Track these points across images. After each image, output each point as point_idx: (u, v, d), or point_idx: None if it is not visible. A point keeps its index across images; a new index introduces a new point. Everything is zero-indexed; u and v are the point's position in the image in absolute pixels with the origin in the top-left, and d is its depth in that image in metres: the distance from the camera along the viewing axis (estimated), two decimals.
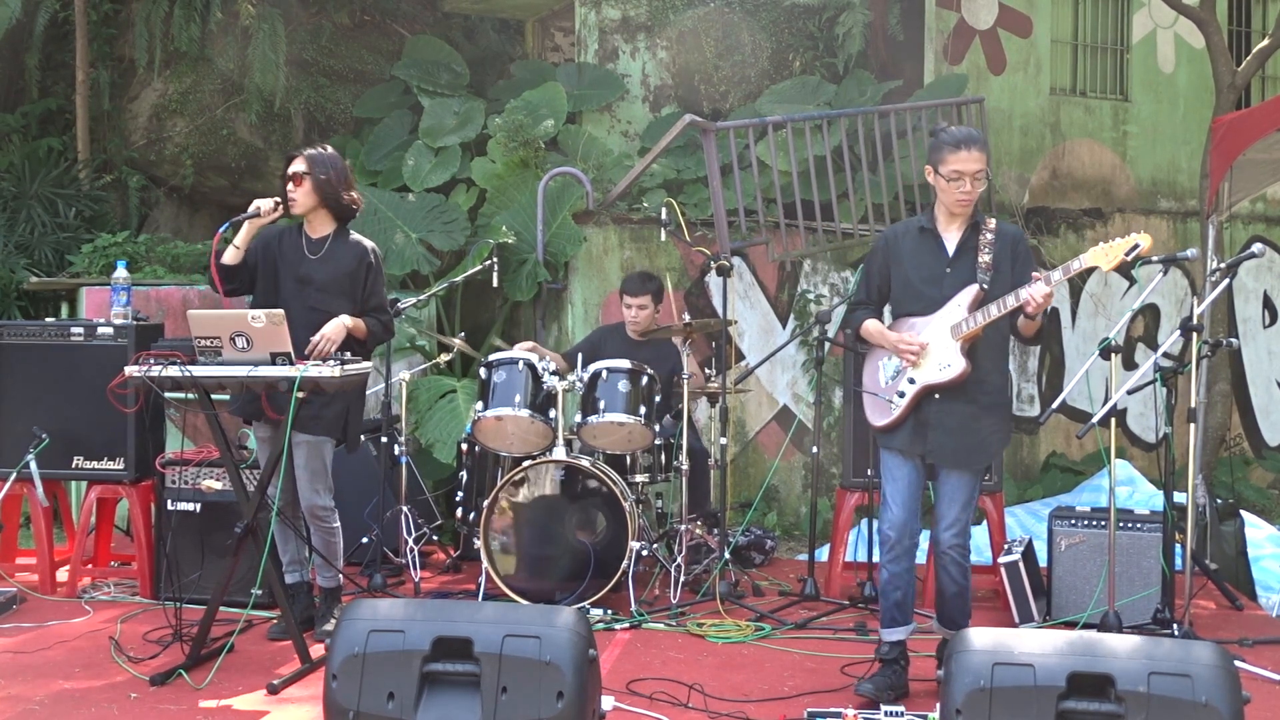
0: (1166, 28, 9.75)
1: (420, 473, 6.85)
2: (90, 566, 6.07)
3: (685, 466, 5.89)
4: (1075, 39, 9.73)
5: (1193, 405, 5.65)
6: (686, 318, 6.08)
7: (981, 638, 3.27)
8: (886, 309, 4.66)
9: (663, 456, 6.05)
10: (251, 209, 4.88)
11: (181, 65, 9.07)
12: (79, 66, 8.94)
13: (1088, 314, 9.05)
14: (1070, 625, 5.27)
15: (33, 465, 5.64)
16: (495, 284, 6.89)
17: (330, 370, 4.44)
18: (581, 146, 8.32)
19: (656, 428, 5.82)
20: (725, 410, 5.98)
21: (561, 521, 5.63)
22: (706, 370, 6.27)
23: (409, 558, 5.86)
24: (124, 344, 5.65)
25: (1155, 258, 5.00)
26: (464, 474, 6.32)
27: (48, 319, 6.63)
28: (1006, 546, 5.66)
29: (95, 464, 5.74)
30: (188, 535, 5.53)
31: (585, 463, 5.60)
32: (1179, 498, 5.29)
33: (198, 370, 4.49)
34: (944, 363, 4.33)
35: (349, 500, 5.90)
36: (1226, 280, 5.46)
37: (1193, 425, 5.50)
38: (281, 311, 4.50)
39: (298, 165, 4.98)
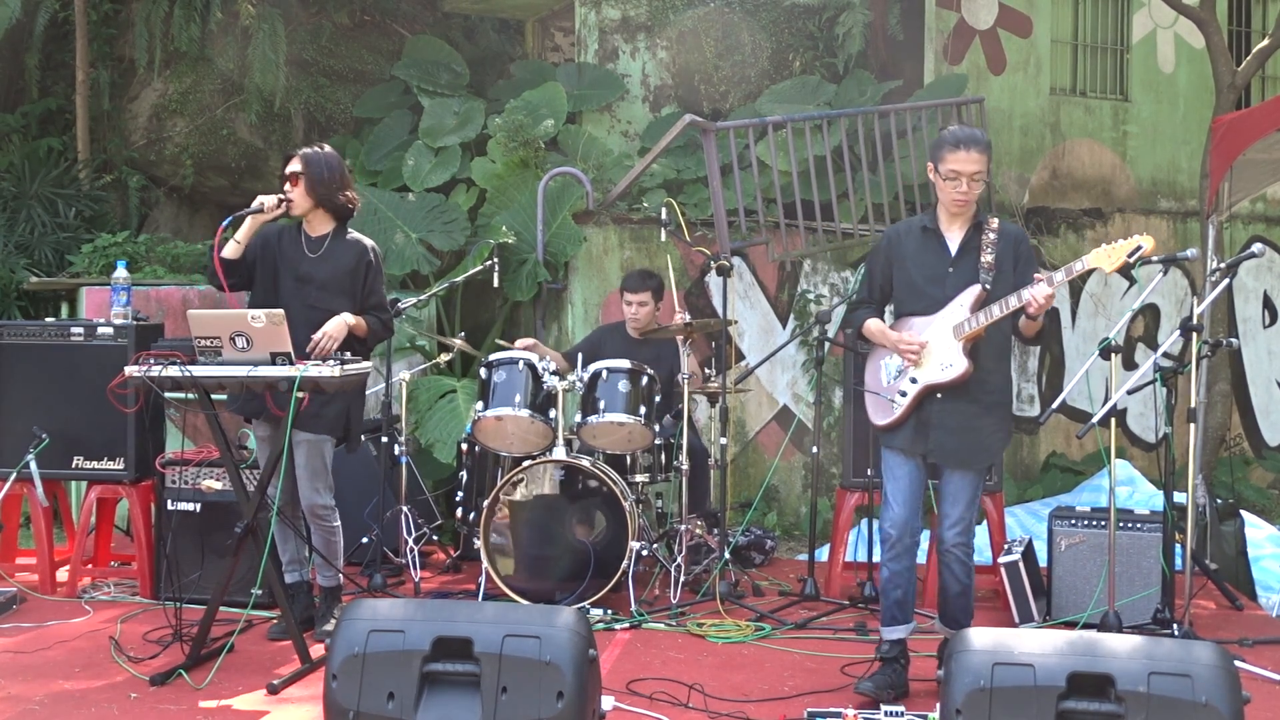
0: (1166, 28, 9.75)
1: (420, 473, 6.85)
2: (90, 566, 6.07)
3: (685, 466, 5.89)
4: (1075, 39, 9.73)
5: (1193, 405, 5.65)
6: (686, 317, 6.08)
7: (981, 638, 3.27)
8: (888, 309, 4.67)
9: (663, 456, 6.05)
10: (255, 204, 4.89)
11: (181, 65, 9.07)
12: (79, 66, 8.94)
13: (1088, 314, 9.05)
14: (1070, 625, 5.26)
15: (33, 465, 5.64)
16: (495, 284, 6.89)
17: (330, 370, 4.44)
18: (581, 146, 8.32)
19: (656, 428, 5.82)
20: (725, 410, 5.98)
21: (561, 521, 5.63)
22: (706, 370, 6.27)
23: (409, 558, 5.86)
24: (124, 344, 5.65)
25: (1155, 258, 5.00)
26: (464, 474, 6.32)
27: (48, 319, 6.63)
28: (1006, 546, 5.66)
29: (95, 464, 5.74)
30: (188, 535, 5.53)
31: (585, 463, 5.60)
32: (1179, 498, 5.29)
33: (198, 370, 4.49)
34: (946, 362, 4.33)
35: (349, 500, 5.89)
36: (1226, 280, 5.46)
37: (1193, 425, 5.50)
38: (281, 311, 4.50)
39: (294, 165, 4.98)
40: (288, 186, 4.98)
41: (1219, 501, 6.42)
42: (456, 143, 8.29)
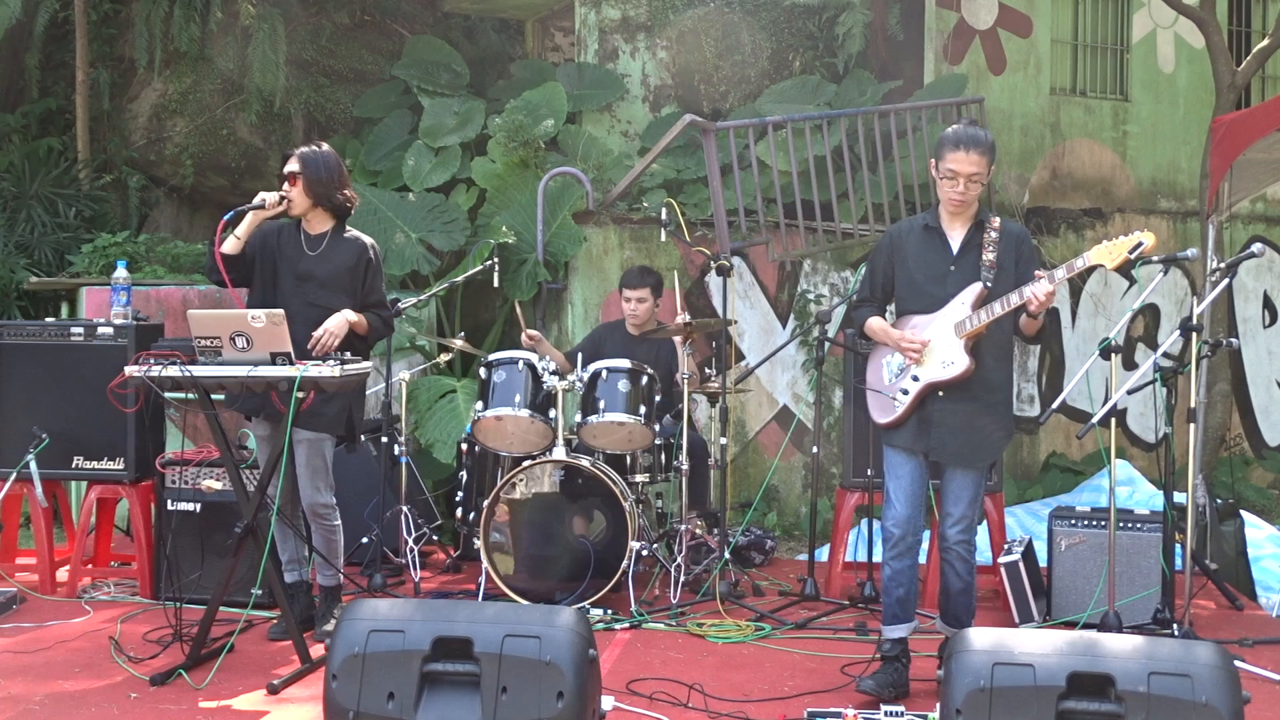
0: (1166, 28, 9.75)
1: (420, 473, 6.85)
2: (90, 566, 6.07)
3: (685, 466, 5.89)
4: (1075, 39, 9.73)
5: (1193, 405, 5.65)
6: (687, 317, 6.08)
7: (981, 638, 3.27)
8: (889, 308, 4.67)
9: (663, 456, 6.05)
10: (256, 200, 4.90)
11: (181, 65, 9.07)
12: (79, 66, 8.94)
13: (1088, 314, 9.05)
14: (1070, 625, 5.26)
15: (33, 465, 5.64)
16: (495, 284, 6.88)
17: (330, 370, 4.44)
18: (581, 146, 8.32)
19: (656, 427, 5.82)
20: (725, 410, 5.98)
21: (561, 521, 5.63)
22: (706, 370, 6.27)
23: (409, 558, 5.86)
24: (124, 344, 5.65)
25: (1155, 258, 4.99)
26: (464, 474, 6.32)
27: (48, 319, 6.63)
28: (1006, 546, 5.66)
29: (95, 464, 5.74)
30: (188, 535, 5.53)
31: (585, 463, 5.60)
32: (1179, 498, 5.29)
33: (198, 370, 4.49)
34: (948, 360, 4.33)
35: (349, 500, 5.89)
36: (1226, 280, 5.45)
37: (1193, 425, 5.50)
38: (281, 311, 4.50)
39: (292, 165, 4.99)
40: (286, 186, 4.98)
41: (1219, 501, 6.42)
42: (456, 143, 8.29)
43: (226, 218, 4.84)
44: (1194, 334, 5.16)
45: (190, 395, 4.68)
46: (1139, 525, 5.45)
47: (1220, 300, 8.30)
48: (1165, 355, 5.15)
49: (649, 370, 5.84)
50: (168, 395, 4.60)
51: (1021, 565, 5.42)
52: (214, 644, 4.69)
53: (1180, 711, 3.02)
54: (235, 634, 4.79)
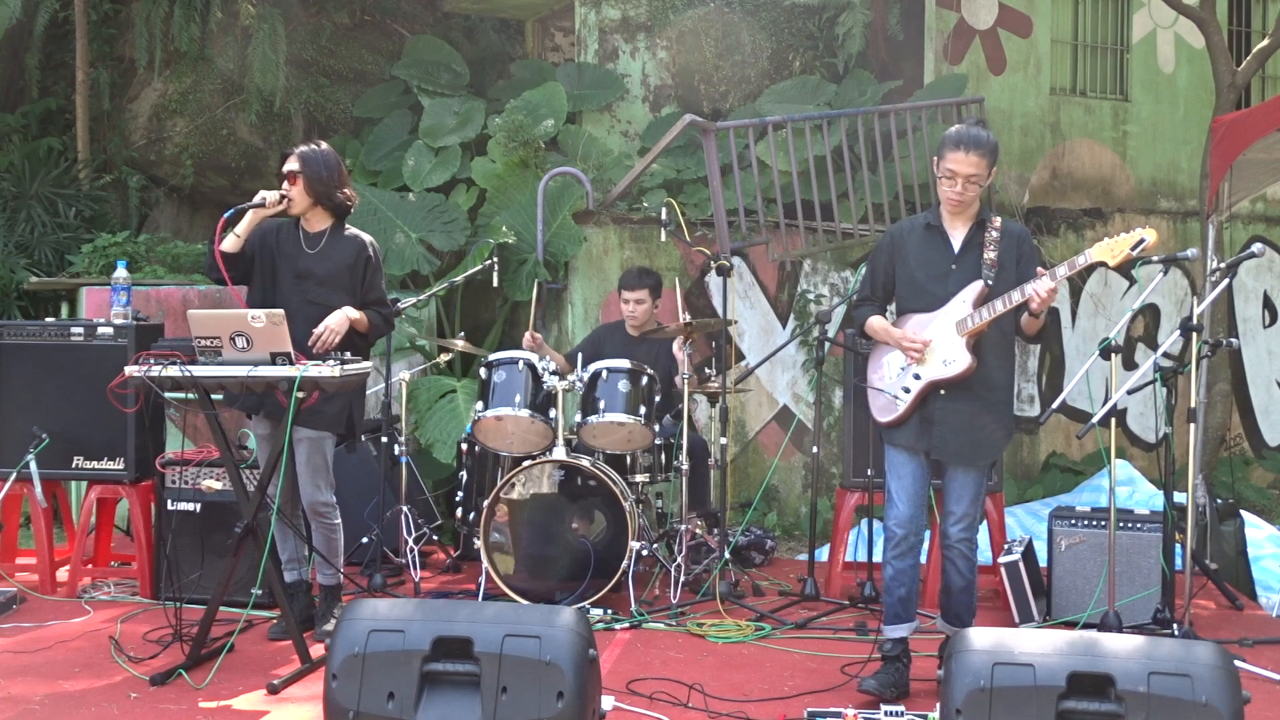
0: (1166, 28, 9.75)
1: (420, 473, 6.85)
2: (90, 566, 6.07)
3: (685, 466, 5.89)
4: (1075, 39, 9.72)
5: (1193, 405, 5.65)
6: (687, 316, 6.08)
7: (981, 638, 3.27)
8: (889, 307, 4.67)
9: (663, 456, 6.05)
10: (256, 199, 4.91)
11: (181, 65, 9.07)
12: (79, 66, 8.94)
13: (1088, 314, 9.05)
14: (1070, 625, 5.27)
15: (33, 465, 5.64)
16: (495, 284, 6.89)
17: (330, 370, 4.44)
18: (581, 146, 8.32)
19: (656, 427, 5.82)
20: (725, 410, 5.98)
21: (561, 521, 5.63)
22: (706, 370, 6.26)
23: (409, 558, 5.86)
24: (124, 344, 5.65)
25: (1155, 258, 5.00)
26: (464, 474, 6.32)
27: (48, 319, 6.63)
28: (1006, 546, 5.66)
29: (95, 464, 5.74)
30: (188, 535, 5.53)
31: (585, 463, 5.60)
32: (1179, 498, 5.29)
33: (198, 370, 4.49)
34: (949, 358, 4.33)
35: (349, 500, 5.89)
36: (1226, 280, 5.45)
37: (1193, 425, 5.50)
38: (281, 311, 4.50)
39: (291, 164, 4.99)
40: (286, 185, 4.98)
41: (1219, 501, 6.42)
42: (456, 143, 8.29)
43: (226, 216, 4.85)
44: (1194, 334, 5.16)
45: (190, 395, 4.68)
46: (1139, 525, 5.45)
47: (1220, 300, 8.30)
48: (1165, 355, 5.16)
49: (649, 370, 5.84)
50: (168, 395, 4.60)
51: (1021, 565, 5.42)
52: (214, 644, 4.69)
53: (1180, 711, 3.02)
54: (235, 634, 4.79)
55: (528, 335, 6.26)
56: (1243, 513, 6.51)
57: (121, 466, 5.73)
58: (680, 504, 6.04)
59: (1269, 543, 6.58)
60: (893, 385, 4.46)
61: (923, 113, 8.41)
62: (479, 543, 5.58)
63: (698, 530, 6.05)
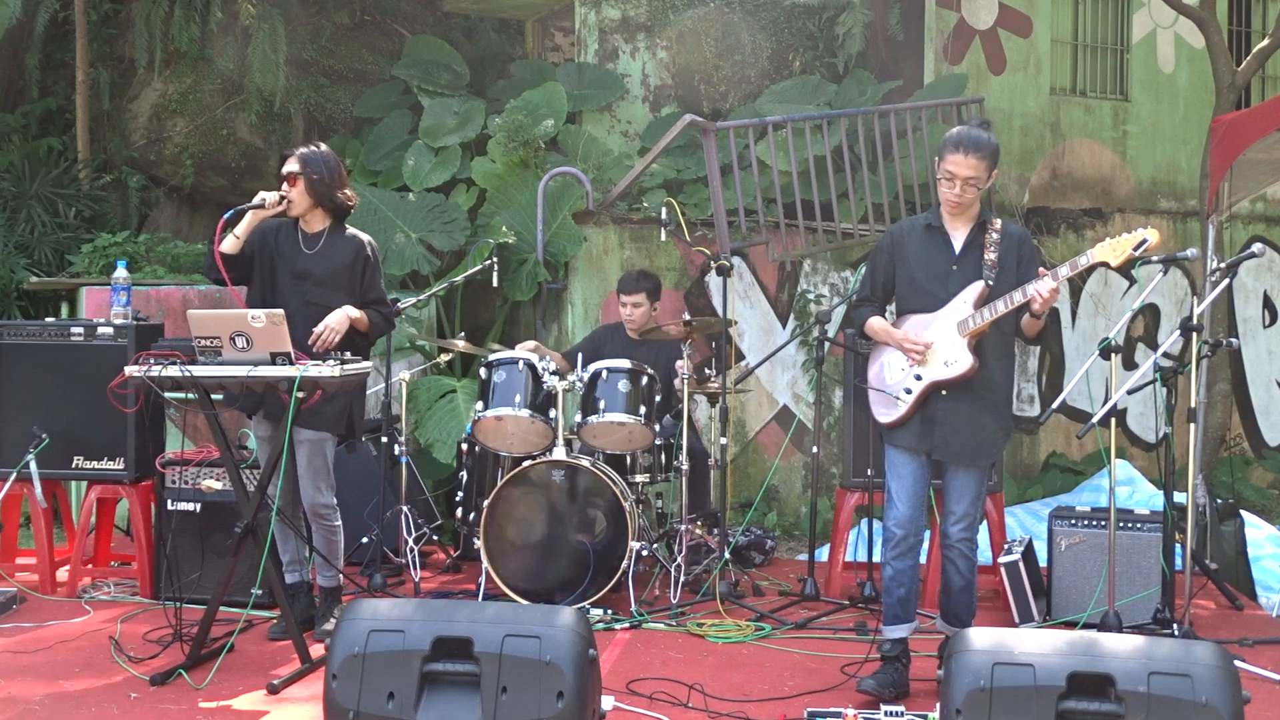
0: (1166, 28, 9.75)
1: (420, 473, 6.85)
2: (90, 566, 6.07)
3: (685, 466, 5.89)
4: (1075, 39, 9.73)
5: (1193, 405, 5.65)
6: (686, 316, 6.08)
7: (981, 638, 3.27)
8: (889, 308, 4.67)
9: (663, 456, 6.05)
10: (256, 200, 4.91)
11: (181, 65, 9.07)
12: (79, 66, 8.94)
13: (1088, 314, 9.05)
14: (1070, 625, 5.27)
15: (32, 465, 5.64)
16: (495, 284, 6.89)
17: (330, 370, 4.44)
18: (581, 146, 8.32)
19: (656, 428, 5.82)
20: (725, 410, 5.98)
21: (561, 521, 5.62)
22: (706, 370, 6.26)
23: (409, 558, 5.86)
24: (124, 344, 5.65)
25: (1155, 258, 5.00)
26: (464, 474, 6.32)
27: (48, 319, 6.63)
28: (1006, 546, 5.66)
29: (95, 464, 5.74)
30: (188, 535, 5.53)
31: (585, 463, 5.60)
32: (1179, 498, 5.29)
33: (198, 370, 4.49)
34: (951, 359, 4.33)
35: (349, 500, 5.89)
36: (1226, 280, 5.45)
37: (1193, 425, 5.50)
38: (281, 311, 4.50)
39: (291, 165, 4.99)
40: (285, 186, 4.98)
41: (1219, 501, 6.42)
42: (456, 143, 8.29)
43: (226, 217, 4.85)
44: (1194, 334, 5.16)
45: (190, 395, 4.68)
46: (1139, 525, 5.45)
47: (1220, 300, 8.30)
48: (1165, 355, 5.16)
49: (649, 370, 5.84)
50: (168, 395, 4.60)
51: (1021, 565, 5.42)
52: (214, 644, 4.69)
53: (1180, 711, 3.02)
54: (235, 634, 4.79)
55: (524, 344, 6.25)
56: (1243, 513, 6.51)
57: (121, 466, 5.73)
58: (680, 504, 6.04)
59: (1269, 543, 6.58)
60: (894, 386, 4.46)
61: (923, 113, 8.41)
62: (479, 543, 5.58)
63: (698, 530, 6.05)
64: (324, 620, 5.06)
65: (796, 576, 6.23)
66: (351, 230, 5.14)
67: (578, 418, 5.75)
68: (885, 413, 4.49)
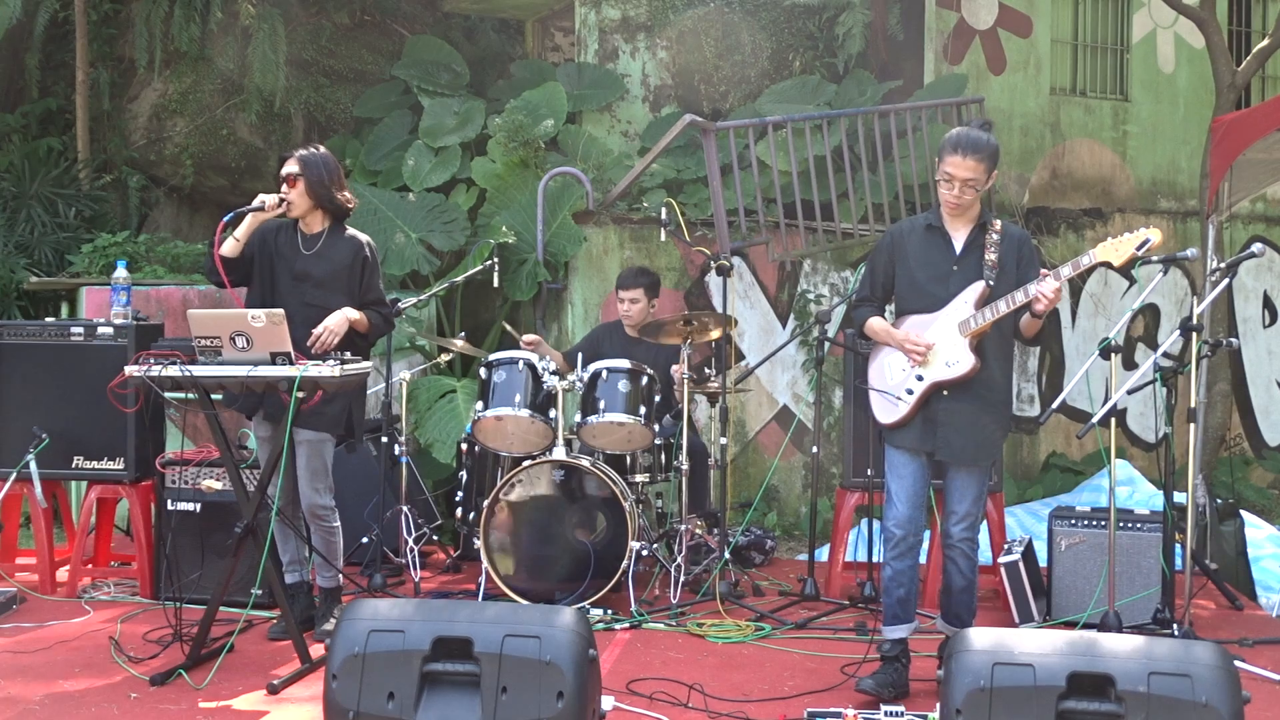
0: (1166, 28, 9.75)
1: (420, 473, 6.85)
2: (90, 566, 6.07)
3: (685, 466, 5.89)
4: (1075, 39, 9.73)
5: (1193, 405, 5.65)
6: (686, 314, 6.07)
7: (981, 638, 3.27)
8: (888, 308, 4.67)
9: (662, 456, 6.05)
10: (256, 202, 4.91)
11: (181, 65, 9.07)
12: (79, 66, 8.94)
13: (1088, 314, 9.05)
14: (1070, 625, 5.26)
15: (32, 465, 5.64)
16: (495, 284, 6.89)
17: (330, 370, 4.44)
18: (581, 146, 8.32)
19: (656, 427, 5.82)
20: (725, 410, 5.98)
21: (561, 521, 5.62)
22: (706, 370, 6.26)
23: (409, 558, 5.86)
24: (124, 344, 5.65)
25: (1155, 258, 5.00)
26: (464, 474, 6.32)
27: (48, 319, 6.63)
28: (1006, 546, 5.66)
29: (95, 464, 5.74)
30: (188, 535, 5.53)
31: (585, 463, 5.60)
32: (1179, 498, 5.29)
33: (198, 370, 4.49)
34: (952, 359, 4.33)
35: (349, 500, 5.89)
36: (1226, 280, 5.45)
37: (1193, 425, 5.50)
38: (281, 311, 4.50)
39: (291, 167, 4.99)
40: (285, 188, 4.98)
41: (1219, 501, 6.42)
42: (456, 143, 8.29)
43: (226, 220, 4.85)
44: (1194, 334, 5.16)
45: (190, 395, 4.68)
46: (1139, 525, 5.45)
47: (1220, 300, 8.30)
48: (1165, 355, 5.15)
49: (649, 370, 5.84)
50: (168, 395, 4.60)
51: (1021, 565, 5.42)
52: (214, 644, 4.69)
53: (1180, 711, 3.02)
54: (235, 634, 4.79)
55: (522, 340, 6.25)
56: (1243, 513, 6.51)
57: (121, 466, 5.73)
58: (680, 504, 6.04)
59: (1269, 543, 6.58)
60: (895, 387, 4.46)
61: (923, 113, 8.41)
62: (479, 543, 5.58)
63: (698, 530, 6.05)
64: (324, 620, 5.06)
65: (796, 576, 6.23)
66: (351, 231, 5.15)
67: (577, 418, 5.75)
68: (886, 413, 4.48)
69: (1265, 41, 8.50)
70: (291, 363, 4.46)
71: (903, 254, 4.49)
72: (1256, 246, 5.22)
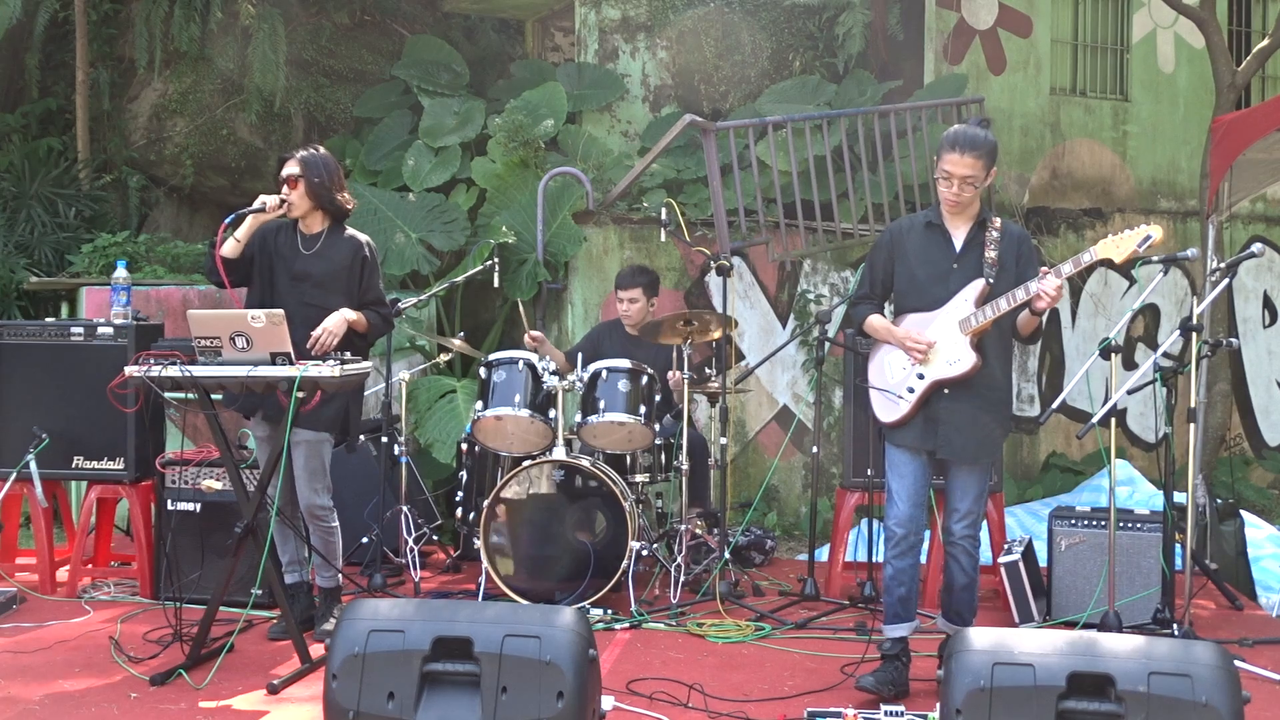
0: (1166, 28, 9.75)
1: (420, 473, 6.85)
2: (90, 566, 6.07)
3: (685, 466, 5.88)
4: (1075, 39, 9.72)
5: (1193, 405, 5.65)
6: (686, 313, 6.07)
7: (981, 638, 3.27)
8: (888, 306, 4.67)
9: (663, 456, 6.04)
10: (257, 203, 4.91)
11: (181, 65, 9.07)
12: (79, 66, 8.94)
13: (1088, 314, 9.05)
14: (1070, 625, 5.26)
15: (33, 465, 5.64)
16: (495, 284, 6.89)
17: (330, 370, 4.44)
18: (581, 146, 8.32)
19: (656, 427, 5.82)
20: (725, 410, 5.98)
21: (561, 521, 5.62)
22: (706, 370, 6.26)
23: (409, 558, 5.86)
24: (124, 344, 5.65)
25: (1155, 258, 5.00)
26: (464, 474, 6.32)
27: (48, 319, 6.63)
28: (1006, 546, 5.66)
29: (95, 464, 5.74)
30: (188, 535, 5.53)
31: (585, 463, 5.60)
32: (1179, 498, 5.29)
33: (198, 370, 4.49)
34: (954, 358, 4.33)
35: (349, 500, 5.90)
36: (1226, 280, 5.45)
37: (1193, 425, 5.50)
38: (281, 311, 4.50)
39: (291, 168, 4.99)
40: (285, 189, 4.98)
41: (1219, 501, 6.42)
42: (456, 143, 8.29)
43: (227, 221, 4.86)
44: (1194, 334, 5.16)
45: (190, 395, 4.68)
46: (1139, 525, 5.45)
47: (1220, 300, 8.30)
48: (1165, 355, 5.16)
49: (649, 370, 5.84)
50: (168, 395, 4.60)
51: (1021, 565, 5.42)
52: (214, 644, 4.69)
53: (1180, 711, 3.02)
54: (235, 634, 4.79)
55: (527, 336, 6.25)
56: (1243, 513, 6.51)
57: (121, 466, 5.73)
58: (680, 504, 6.04)
59: (1269, 543, 6.58)
60: (896, 385, 4.46)
61: (923, 113, 8.41)
62: (479, 543, 5.58)
63: (698, 530, 6.05)
64: (324, 620, 5.06)
65: (796, 576, 6.23)
66: (350, 231, 5.15)
67: (577, 417, 5.75)
68: (887, 412, 4.48)
69: (1265, 41, 8.50)
70: (291, 363, 4.47)
71: (902, 251, 4.49)
72: (1256, 246, 5.23)
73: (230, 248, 4.91)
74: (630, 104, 8.92)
